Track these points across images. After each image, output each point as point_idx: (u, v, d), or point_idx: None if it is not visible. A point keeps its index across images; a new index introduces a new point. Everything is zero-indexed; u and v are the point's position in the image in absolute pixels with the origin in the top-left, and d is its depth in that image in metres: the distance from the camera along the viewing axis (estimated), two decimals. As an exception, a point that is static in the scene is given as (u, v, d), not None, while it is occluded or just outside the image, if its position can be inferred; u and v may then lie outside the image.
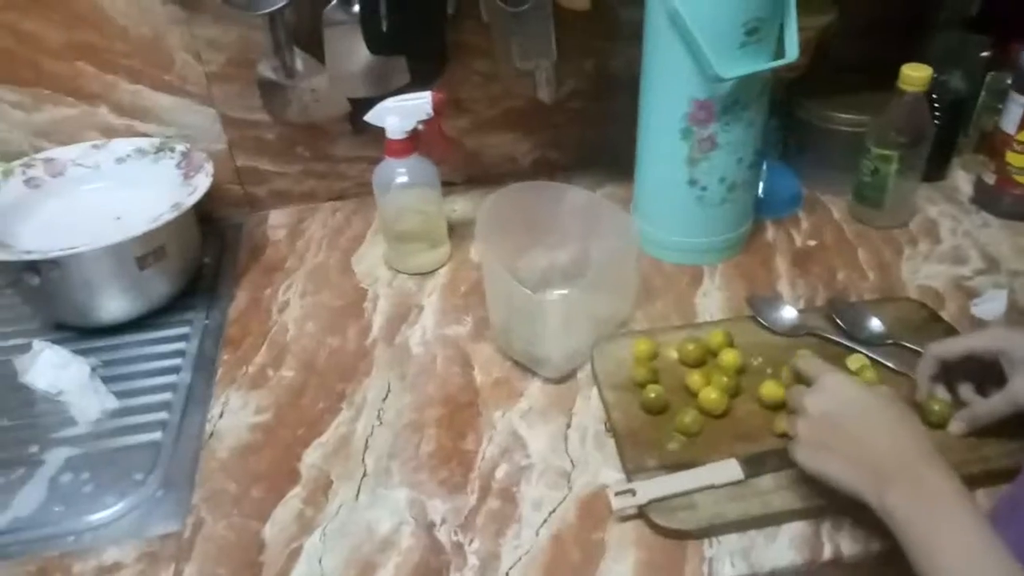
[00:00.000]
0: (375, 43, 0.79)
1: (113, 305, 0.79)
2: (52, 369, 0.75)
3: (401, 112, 0.77)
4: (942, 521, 0.45)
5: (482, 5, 0.86)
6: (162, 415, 0.72)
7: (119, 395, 0.74)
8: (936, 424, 0.62)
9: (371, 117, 0.78)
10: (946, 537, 0.44)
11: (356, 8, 0.79)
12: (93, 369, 0.76)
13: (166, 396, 0.74)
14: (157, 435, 0.70)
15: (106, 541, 0.60)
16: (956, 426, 0.61)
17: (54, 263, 0.73)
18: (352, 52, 0.82)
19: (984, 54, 0.94)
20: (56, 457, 0.68)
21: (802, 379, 0.60)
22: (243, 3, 0.78)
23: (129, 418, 0.72)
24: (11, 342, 0.81)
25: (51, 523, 0.62)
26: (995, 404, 0.59)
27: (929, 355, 0.63)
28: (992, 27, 0.95)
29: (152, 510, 0.63)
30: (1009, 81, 0.87)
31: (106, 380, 0.75)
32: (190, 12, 0.83)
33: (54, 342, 0.77)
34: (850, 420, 0.52)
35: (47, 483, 0.66)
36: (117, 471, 0.67)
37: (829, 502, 0.57)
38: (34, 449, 0.69)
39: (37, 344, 0.76)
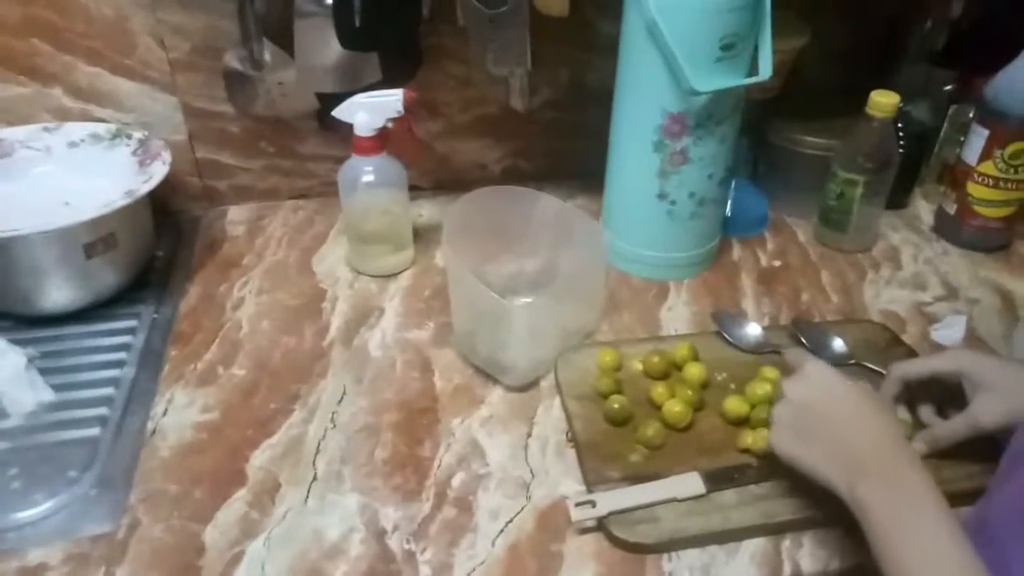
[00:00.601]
0: (347, 37, 0.77)
1: (57, 294, 0.75)
2: (-12, 357, 0.71)
3: (371, 109, 0.76)
4: (912, 514, 0.45)
5: (458, 8, 0.85)
6: (102, 411, 0.68)
7: (57, 388, 0.70)
8: None
9: (340, 112, 0.76)
10: (914, 530, 0.44)
11: (329, 0, 0.77)
12: (30, 360, 0.71)
13: (108, 391, 0.70)
14: (95, 431, 0.66)
15: (32, 541, 0.56)
16: (917, 447, 0.61)
17: (-4, 245, 0.70)
18: (323, 45, 0.80)
19: (948, 87, 0.96)
20: (-17, 451, 0.64)
21: (789, 371, 0.59)
22: (212, -12, 0.75)
23: (66, 412, 0.68)
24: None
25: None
26: (956, 426, 0.59)
27: (893, 376, 0.63)
28: (957, 62, 0.97)
29: (85, 509, 0.59)
30: (971, 114, 0.89)
31: (44, 372, 0.71)
32: (156, -5, 0.81)
33: (-9, 330, 0.73)
34: (829, 409, 0.52)
35: (-28, 478, 0.62)
36: (49, 468, 0.63)
37: (791, 519, 0.56)
38: (-39, 443, 0.65)
39: (-27, 331, 0.72)
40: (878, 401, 0.53)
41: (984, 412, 0.57)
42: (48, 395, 0.69)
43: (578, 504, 0.56)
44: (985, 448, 0.57)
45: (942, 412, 0.63)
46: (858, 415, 0.51)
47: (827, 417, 0.52)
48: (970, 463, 0.60)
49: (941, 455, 0.60)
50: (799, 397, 0.54)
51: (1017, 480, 0.47)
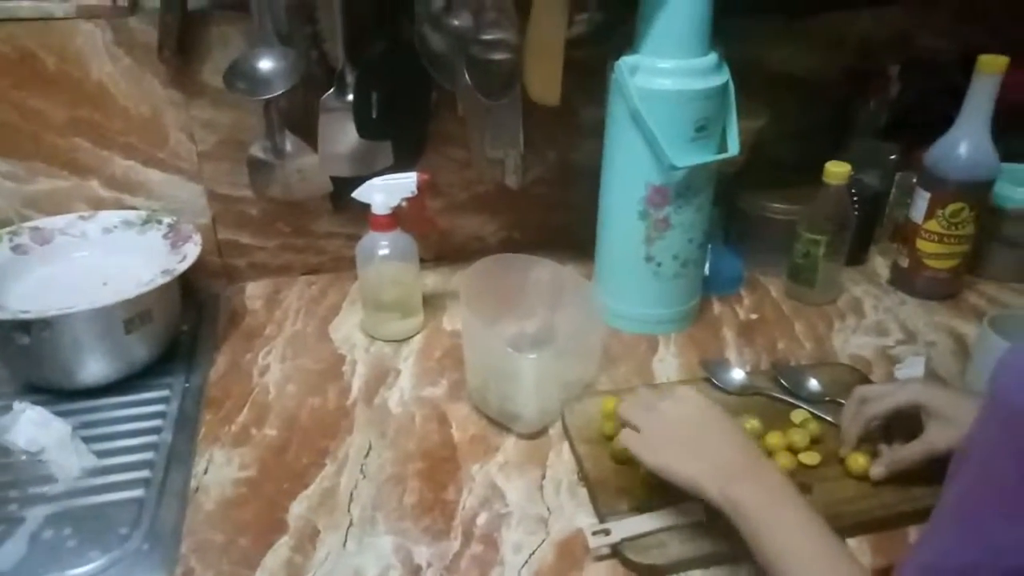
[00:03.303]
0: (365, 128, 0.87)
1: (96, 367, 0.81)
2: (33, 428, 0.76)
3: (387, 190, 0.85)
4: (781, 507, 0.55)
5: (459, 99, 0.96)
6: (144, 473, 0.73)
7: (99, 455, 0.75)
8: (858, 474, 0.69)
9: (359, 194, 0.85)
10: (778, 519, 0.54)
11: (350, 97, 0.87)
12: (73, 429, 0.77)
13: (148, 455, 0.75)
14: (140, 492, 0.71)
15: (94, 592, 0.60)
16: (876, 471, 0.68)
17: (45, 323, 0.76)
18: (342, 136, 0.89)
19: (893, 157, 1.08)
20: (37, 514, 0.68)
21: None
22: (244, 88, 0.85)
23: (111, 476, 0.73)
24: (-11, 403, 0.81)
25: (33, 578, 0.62)
26: (912, 450, 0.67)
27: (861, 416, 0.70)
28: (899, 135, 1.10)
29: (138, 562, 0.64)
30: (915, 180, 1.00)
31: (86, 440, 0.76)
32: (189, 96, 0.90)
33: (33, 403, 0.78)
34: (700, 425, 0.62)
35: (27, 539, 0.66)
36: (100, 526, 0.67)
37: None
38: (13, 507, 0.69)
39: (18, 405, 0.77)
40: (733, 421, 0.63)
41: (939, 437, 0.65)
42: (92, 461, 0.74)
43: (594, 533, 0.63)
44: (928, 474, 0.64)
45: (888, 436, 0.70)
46: (723, 430, 0.61)
47: (699, 430, 0.61)
48: (936, 483, 0.66)
49: (908, 479, 0.67)
50: (672, 412, 0.63)
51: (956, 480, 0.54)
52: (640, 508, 0.65)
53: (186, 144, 0.93)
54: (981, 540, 0.38)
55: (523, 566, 0.62)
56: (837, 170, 0.92)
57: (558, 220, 1.09)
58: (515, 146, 0.98)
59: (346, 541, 0.65)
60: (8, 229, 0.89)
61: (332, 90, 0.88)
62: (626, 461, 0.71)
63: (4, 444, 0.75)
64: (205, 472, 0.72)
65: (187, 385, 0.85)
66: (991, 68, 0.88)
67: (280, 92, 0.85)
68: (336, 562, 0.63)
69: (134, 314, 0.81)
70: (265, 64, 0.85)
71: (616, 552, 0.63)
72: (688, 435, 0.61)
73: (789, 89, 1.08)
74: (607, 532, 0.62)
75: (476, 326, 0.75)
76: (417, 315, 0.93)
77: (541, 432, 0.77)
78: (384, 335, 0.91)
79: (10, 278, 0.85)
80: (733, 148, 0.83)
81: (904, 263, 1.01)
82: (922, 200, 0.97)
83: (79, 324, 0.78)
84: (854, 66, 1.12)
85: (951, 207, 0.94)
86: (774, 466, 0.58)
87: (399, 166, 0.92)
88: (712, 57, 0.80)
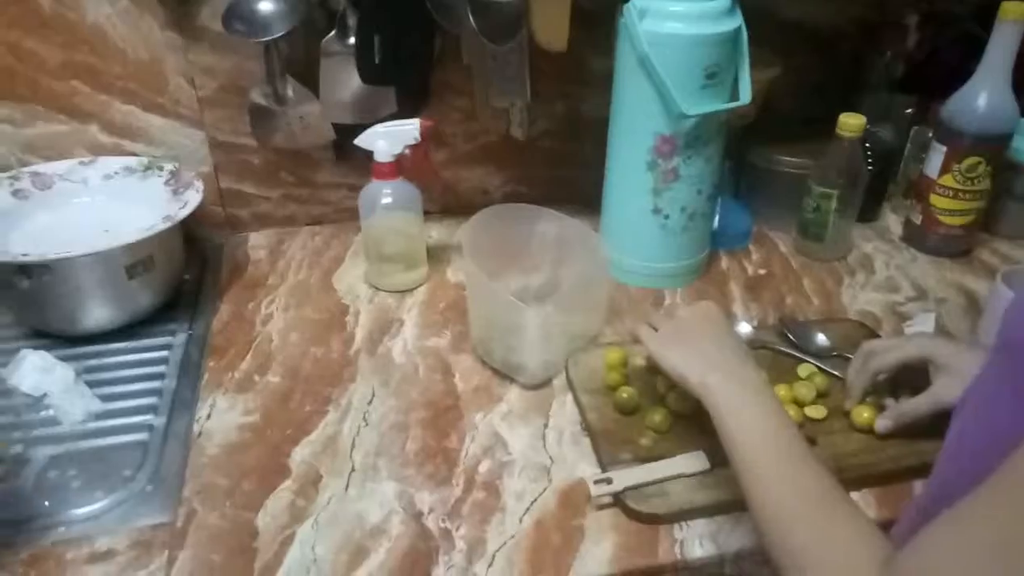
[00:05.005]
0: (368, 73, 0.85)
1: (99, 313, 0.81)
2: (37, 372, 0.76)
3: (390, 137, 0.83)
4: (749, 395, 0.57)
5: (464, 47, 0.94)
6: (148, 417, 0.74)
7: (104, 399, 0.75)
8: (863, 427, 0.69)
9: (361, 140, 0.83)
10: (748, 410, 0.56)
11: (352, 40, 0.85)
12: (77, 374, 0.77)
13: (151, 400, 0.76)
14: (143, 436, 0.71)
15: (97, 531, 0.61)
16: (882, 424, 0.68)
17: (46, 267, 0.75)
18: (345, 81, 0.87)
19: (909, 111, 1.06)
20: (41, 455, 0.69)
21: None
22: (243, 30, 0.83)
23: (115, 420, 0.73)
24: (-7, 347, 0.82)
25: (40, 516, 0.63)
26: (919, 403, 0.66)
27: (867, 369, 0.70)
28: (915, 88, 1.07)
29: (142, 503, 0.64)
30: (931, 134, 0.98)
31: (90, 385, 0.76)
32: (188, 39, 0.88)
33: (37, 348, 0.78)
34: (702, 328, 0.65)
35: (33, 478, 0.67)
36: (104, 468, 0.68)
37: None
38: (18, 448, 0.70)
39: (22, 350, 0.77)
40: (735, 331, 0.69)
41: (946, 390, 0.64)
42: (96, 404, 0.75)
43: (596, 481, 0.63)
44: (935, 429, 0.63)
45: (897, 388, 0.70)
46: (719, 334, 0.64)
47: (698, 332, 0.65)
48: (941, 438, 0.66)
49: (914, 433, 0.66)
50: (685, 315, 0.68)
51: (956, 427, 0.53)
52: (643, 459, 0.65)
53: (186, 89, 0.91)
54: (979, 474, 0.38)
55: (525, 513, 0.63)
56: (852, 122, 0.90)
57: (565, 174, 1.07)
58: (521, 96, 0.96)
59: (348, 486, 0.65)
60: (8, 173, 0.88)
61: (333, 33, 0.86)
62: (631, 412, 0.70)
63: (8, 388, 0.75)
64: (208, 417, 0.72)
65: (190, 332, 0.85)
66: (1014, 14, 0.85)
67: (280, 34, 0.83)
68: (339, 506, 0.63)
69: (136, 260, 0.80)
70: (264, 5, 0.83)
71: (618, 501, 0.63)
72: (691, 335, 0.65)
73: (802, 39, 1.06)
74: (609, 481, 0.62)
75: (480, 277, 0.74)
76: (421, 267, 0.92)
77: (545, 383, 0.77)
78: (388, 286, 0.91)
79: (11, 222, 0.84)
80: (745, 96, 0.81)
81: (917, 219, 0.99)
82: (937, 154, 0.95)
83: (80, 269, 0.77)
84: (869, 17, 1.09)
85: (967, 161, 0.92)
86: (754, 368, 0.61)
87: (402, 113, 0.90)
88: (724, 0, 0.78)
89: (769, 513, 0.50)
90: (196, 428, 0.71)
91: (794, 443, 0.53)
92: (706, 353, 0.62)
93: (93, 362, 0.80)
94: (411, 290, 0.91)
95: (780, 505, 0.50)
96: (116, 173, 0.91)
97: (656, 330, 0.68)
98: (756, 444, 0.54)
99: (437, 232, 1.03)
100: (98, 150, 0.92)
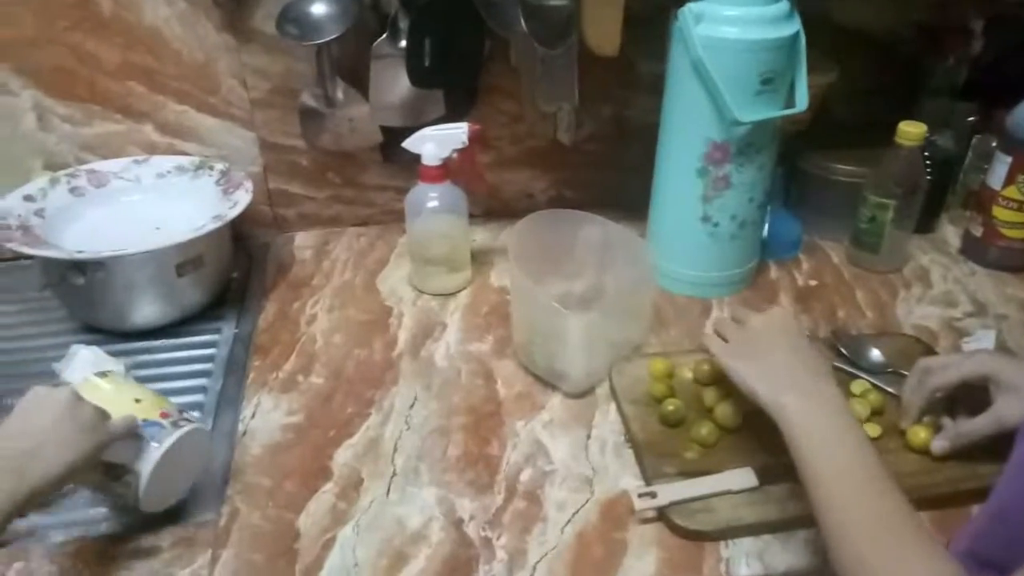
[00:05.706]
0: (417, 76, 0.85)
1: (149, 310, 0.83)
2: (88, 368, 0.77)
3: (438, 140, 0.83)
4: (824, 417, 0.55)
5: (512, 50, 0.93)
6: (194, 414, 0.74)
7: (152, 395, 0.76)
8: (919, 448, 0.66)
9: (409, 144, 0.83)
10: (826, 433, 0.54)
11: (402, 43, 0.85)
12: (127, 370, 0.78)
13: (197, 397, 0.77)
14: (190, 433, 0.72)
15: (141, 528, 0.61)
16: (939, 445, 0.65)
17: (100, 264, 0.77)
18: (394, 84, 0.88)
19: (971, 119, 1.02)
20: (90, 449, 0.70)
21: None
22: (295, 33, 0.83)
23: (162, 416, 0.74)
24: (47, 341, 0.83)
25: (82, 509, 0.64)
26: (980, 424, 0.63)
27: (924, 387, 0.67)
28: (977, 96, 1.03)
29: (186, 500, 0.65)
30: (994, 143, 0.94)
31: (139, 381, 0.77)
32: (242, 41, 0.89)
33: (88, 344, 0.80)
34: (777, 339, 0.62)
35: (82, 472, 0.68)
36: (150, 464, 0.69)
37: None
38: (69, 441, 0.71)
39: (74, 345, 0.79)
40: (810, 343, 0.64)
41: (1008, 410, 0.61)
42: (145, 400, 0.76)
43: (640, 495, 0.61)
44: (994, 450, 0.61)
45: (955, 407, 0.67)
46: (794, 347, 0.62)
47: (773, 344, 0.62)
48: (979, 464, 0.63)
49: (971, 456, 0.64)
50: (757, 325, 0.64)
51: (1021, 449, 0.50)
52: (687, 473, 0.64)
53: (238, 91, 0.92)
54: None
55: (567, 524, 0.62)
56: (912, 130, 0.87)
57: (611, 179, 1.06)
58: (569, 100, 0.95)
59: (389, 490, 0.65)
60: (67, 171, 0.90)
61: (384, 36, 0.86)
62: (676, 424, 0.69)
63: (60, 383, 0.76)
64: (253, 416, 0.73)
65: (237, 331, 0.86)
66: (1089, 21, 0.81)
67: (332, 37, 0.83)
68: (379, 510, 0.63)
69: (186, 258, 0.81)
70: (317, 8, 0.84)
71: (662, 515, 0.61)
72: (763, 347, 0.62)
73: (859, 44, 1.02)
74: (653, 495, 0.61)
75: (524, 282, 0.74)
76: (465, 270, 0.92)
77: (588, 392, 0.76)
78: (431, 289, 0.91)
79: (67, 219, 0.86)
80: (801, 103, 0.79)
81: (977, 232, 0.96)
82: (1002, 165, 0.91)
83: (132, 267, 0.79)
84: (930, 21, 1.05)
85: (1033, 173, 0.88)
86: (830, 382, 0.58)
87: (450, 117, 0.90)
88: (783, 5, 0.76)
89: (842, 534, 0.49)
90: (241, 427, 0.72)
91: (871, 466, 0.52)
92: (779, 368, 0.60)
93: (142, 358, 0.81)
94: (454, 293, 0.91)
95: (855, 527, 0.49)
96: (168, 172, 0.93)
97: (726, 340, 0.66)
98: (831, 468, 0.52)
99: (481, 236, 1.02)
100: (152, 149, 0.94)
